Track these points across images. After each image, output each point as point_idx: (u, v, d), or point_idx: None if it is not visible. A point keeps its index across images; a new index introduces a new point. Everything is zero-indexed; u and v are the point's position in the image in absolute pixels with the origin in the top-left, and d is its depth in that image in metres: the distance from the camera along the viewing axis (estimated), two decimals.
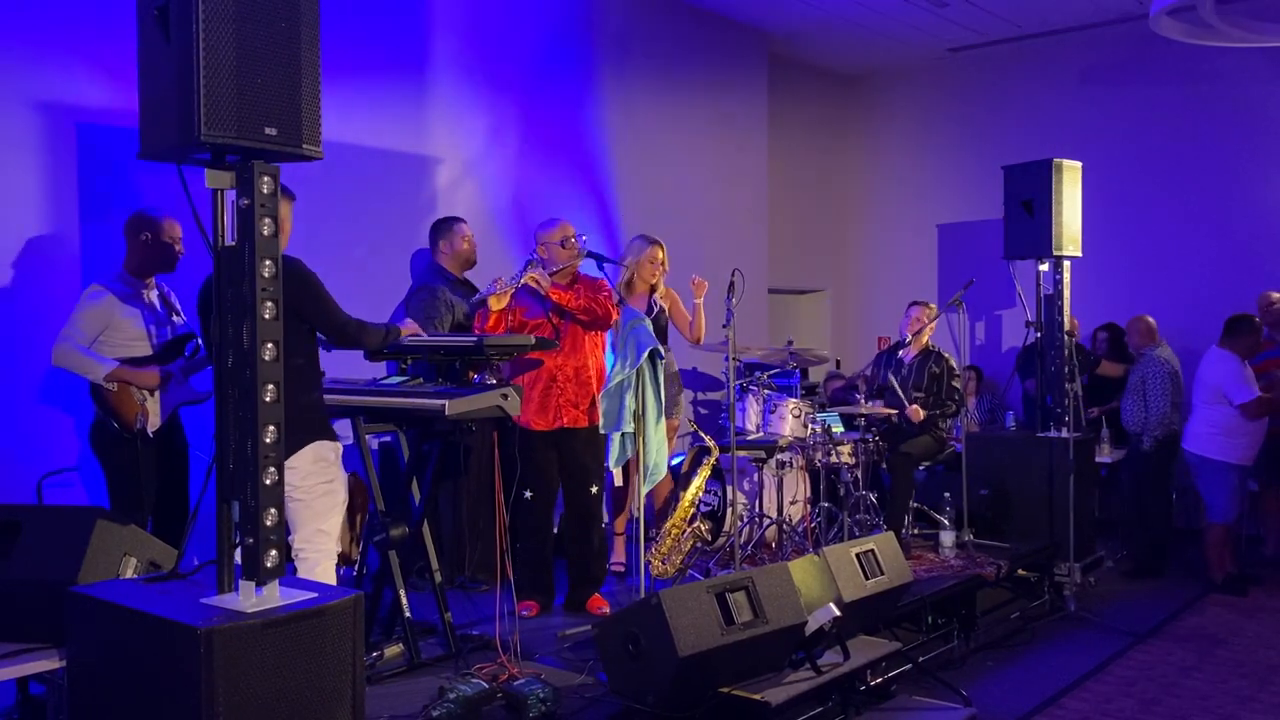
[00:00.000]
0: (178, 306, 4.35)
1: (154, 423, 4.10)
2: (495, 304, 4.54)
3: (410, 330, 4.02)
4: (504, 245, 6.12)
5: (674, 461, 5.61)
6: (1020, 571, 5.81)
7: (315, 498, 3.53)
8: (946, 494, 5.80)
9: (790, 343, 6.01)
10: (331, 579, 3.58)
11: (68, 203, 4.59)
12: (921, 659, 4.61)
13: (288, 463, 3.39)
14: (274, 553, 2.61)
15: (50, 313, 4.35)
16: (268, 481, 2.60)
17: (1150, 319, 6.91)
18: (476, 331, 4.60)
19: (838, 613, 3.77)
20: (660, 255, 5.40)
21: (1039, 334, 6.44)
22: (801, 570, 3.97)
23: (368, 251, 5.59)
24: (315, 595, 2.66)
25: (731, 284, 4.64)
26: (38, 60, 4.48)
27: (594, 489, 4.77)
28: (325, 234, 5.15)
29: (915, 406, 5.94)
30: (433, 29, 6.03)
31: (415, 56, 5.94)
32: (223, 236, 2.64)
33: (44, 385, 4.49)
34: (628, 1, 7.22)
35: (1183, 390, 6.60)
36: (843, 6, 7.66)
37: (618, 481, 5.31)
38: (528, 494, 4.71)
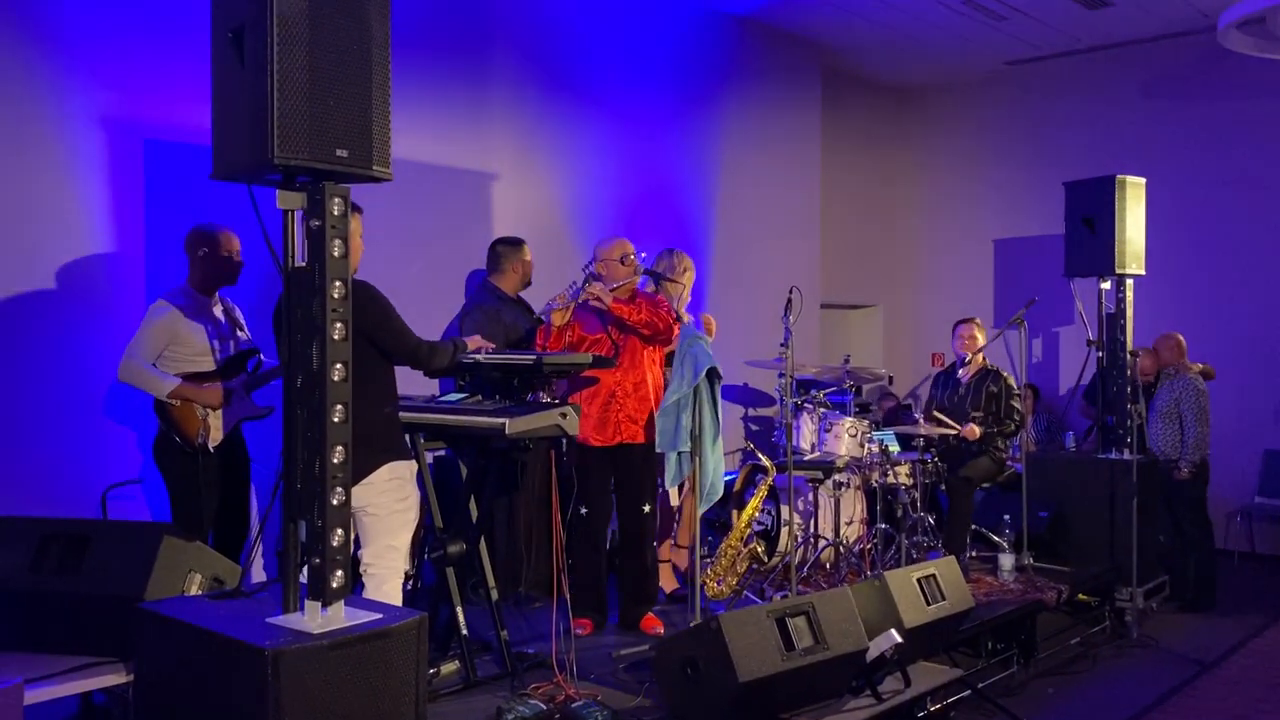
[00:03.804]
0: (242, 322, 4.38)
1: (215, 437, 4.14)
2: (557, 319, 4.54)
3: (475, 344, 4.02)
4: (559, 262, 6.12)
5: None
6: (1081, 596, 5.69)
7: (388, 514, 3.56)
8: (1006, 516, 5.69)
9: (847, 360, 5.95)
10: (398, 596, 3.59)
11: (134, 218, 4.66)
12: (981, 685, 4.53)
13: (364, 480, 3.42)
14: (340, 573, 2.61)
15: (116, 328, 4.42)
16: (335, 502, 2.60)
17: (1181, 337, 6.61)
18: (536, 347, 4.60)
19: (899, 639, 3.71)
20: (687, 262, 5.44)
21: (1100, 354, 6.32)
22: (862, 595, 3.92)
23: (423, 267, 5.62)
24: (380, 616, 2.66)
25: (789, 302, 4.59)
26: (106, 77, 4.56)
27: (646, 507, 4.73)
28: (375, 250, 5.18)
29: (971, 425, 5.85)
30: (490, 45, 6.05)
31: (473, 71, 5.96)
32: (293, 257, 2.66)
33: (109, 399, 4.56)
34: (682, 15, 7.22)
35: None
36: (898, 20, 7.59)
37: (673, 501, 5.27)
38: (583, 510, 4.70)
